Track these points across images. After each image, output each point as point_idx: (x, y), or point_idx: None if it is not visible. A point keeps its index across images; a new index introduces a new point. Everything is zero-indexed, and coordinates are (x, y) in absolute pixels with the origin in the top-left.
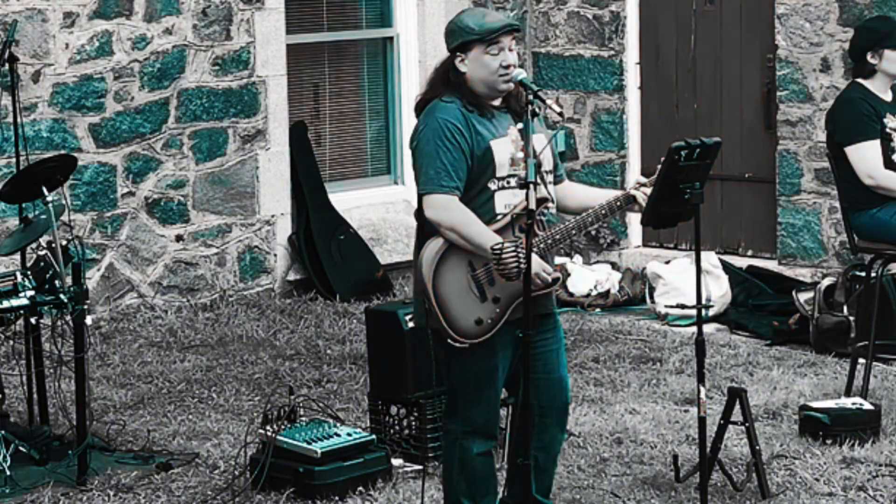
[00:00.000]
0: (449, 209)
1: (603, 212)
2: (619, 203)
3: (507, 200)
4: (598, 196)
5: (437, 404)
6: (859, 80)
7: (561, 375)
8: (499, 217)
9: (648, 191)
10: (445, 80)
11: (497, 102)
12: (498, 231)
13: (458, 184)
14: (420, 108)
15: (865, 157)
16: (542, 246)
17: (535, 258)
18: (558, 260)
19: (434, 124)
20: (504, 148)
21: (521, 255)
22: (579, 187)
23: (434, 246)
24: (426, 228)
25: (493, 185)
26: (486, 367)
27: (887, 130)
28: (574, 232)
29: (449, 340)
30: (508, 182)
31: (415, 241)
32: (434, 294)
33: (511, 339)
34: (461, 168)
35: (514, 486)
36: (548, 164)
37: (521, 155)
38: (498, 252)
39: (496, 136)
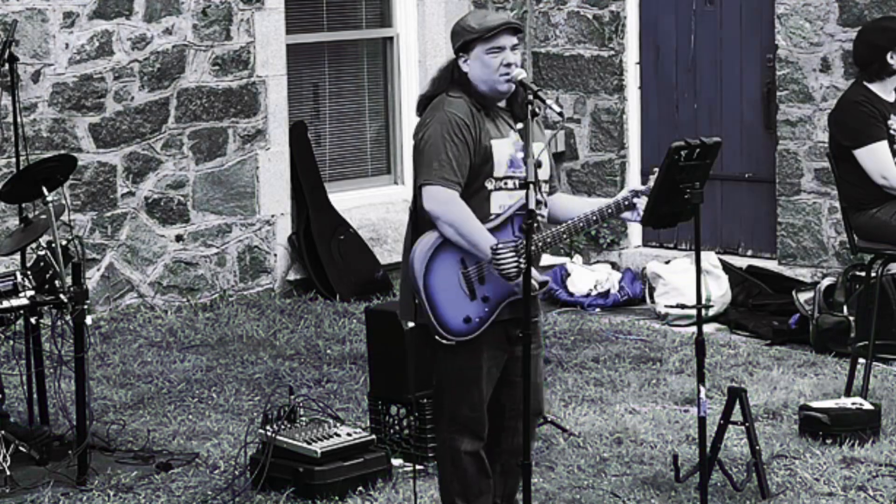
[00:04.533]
0: (449, 204)
1: (594, 217)
2: (609, 210)
3: (502, 201)
4: (584, 205)
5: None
6: (863, 83)
7: (536, 382)
8: (492, 217)
9: (640, 200)
10: (450, 79)
11: (501, 104)
12: (492, 230)
13: (459, 179)
14: (423, 105)
15: (877, 158)
16: (532, 249)
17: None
18: (558, 260)
19: (443, 117)
20: (504, 149)
21: (519, 256)
22: (566, 197)
23: (427, 241)
24: (419, 224)
25: (490, 185)
26: (471, 367)
27: (891, 132)
28: (565, 236)
29: (437, 337)
30: (506, 183)
31: (406, 235)
32: (424, 289)
33: (498, 341)
34: (464, 164)
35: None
36: (543, 173)
37: (520, 155)
38: (496, 253)
39: (498, 136)
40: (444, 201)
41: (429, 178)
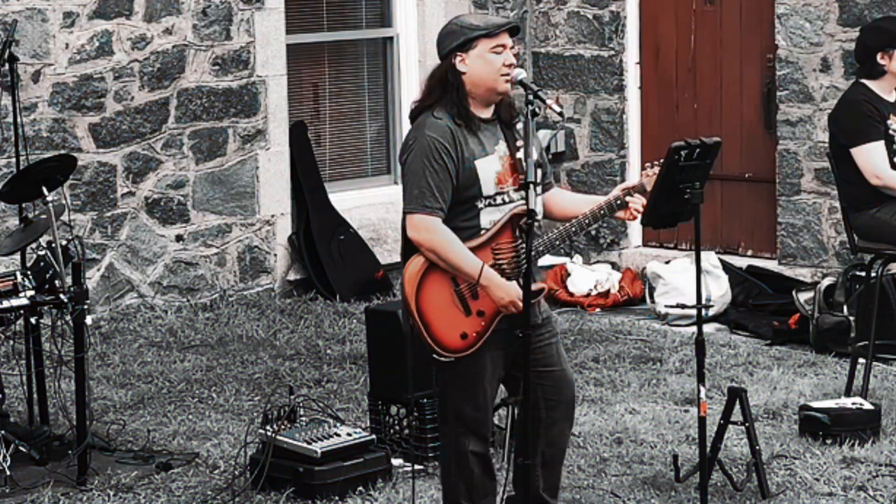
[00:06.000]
0: (430, 231)
1: (587, 221)
2: (602, 212)
3: (492, 217)
4: (580, 202)
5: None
6: (863, 81)
7: (563, 369)
8: (482, 232)
9: (632, 199)
10: (443, 85)
11: (489, 114)
12: (483, 244)
13: (441, 204)
14: (415, 116)
15: (871, 157)
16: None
17: (514, 285)
18: (558, 260)
19: (423, 141)
20: (490, 166)
21: (518, 262)
22: (565, 194)
23: (416, 263)
24: (412, 242)
25: (479, 204)
26: (473, 368)
27: (890, 132)
28: (558, 242)
29: (434, 356)
30: (495, 200)
31: (401, 251)
32: (417, 311)
33: (500, 340)
34: (446, 189)
35: (518, 485)
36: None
37: (520, 156)
38: (496, 254)
39: (483, 154)
40: (425, 229)
41: (410, 207)
